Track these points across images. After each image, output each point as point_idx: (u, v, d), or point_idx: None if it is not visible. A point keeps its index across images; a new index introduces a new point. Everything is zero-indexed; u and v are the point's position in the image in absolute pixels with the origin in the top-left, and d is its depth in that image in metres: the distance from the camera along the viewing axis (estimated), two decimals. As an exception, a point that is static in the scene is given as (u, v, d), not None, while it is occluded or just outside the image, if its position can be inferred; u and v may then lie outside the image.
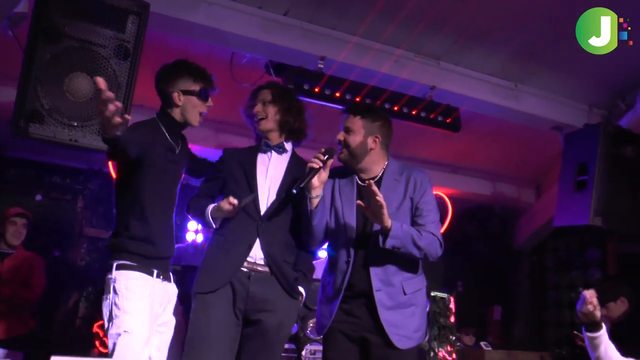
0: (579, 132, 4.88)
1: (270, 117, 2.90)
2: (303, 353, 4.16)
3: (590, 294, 3.02)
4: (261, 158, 2.91)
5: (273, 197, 2.81)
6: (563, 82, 4.96)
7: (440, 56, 4.54)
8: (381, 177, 2.84)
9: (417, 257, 2.69)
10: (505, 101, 4.89)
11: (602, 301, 4.30)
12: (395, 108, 4.49)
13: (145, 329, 2.46)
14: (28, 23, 3.03)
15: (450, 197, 6.84)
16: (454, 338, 4.70)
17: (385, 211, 2.55)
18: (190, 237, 5.95)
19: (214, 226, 2.78)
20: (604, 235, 6.42)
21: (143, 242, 2.55)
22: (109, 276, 2.50)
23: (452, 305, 4.86)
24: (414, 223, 2.76)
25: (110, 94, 2.11)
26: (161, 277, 2.61)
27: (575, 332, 3.14)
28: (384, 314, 2.64)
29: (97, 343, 5.17)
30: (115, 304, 2.44)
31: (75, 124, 2.80)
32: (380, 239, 2.60)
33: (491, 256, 7.43)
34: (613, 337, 4.27)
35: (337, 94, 4.30)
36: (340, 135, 2.85)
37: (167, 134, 2.72)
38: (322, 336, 2.83)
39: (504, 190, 7.04)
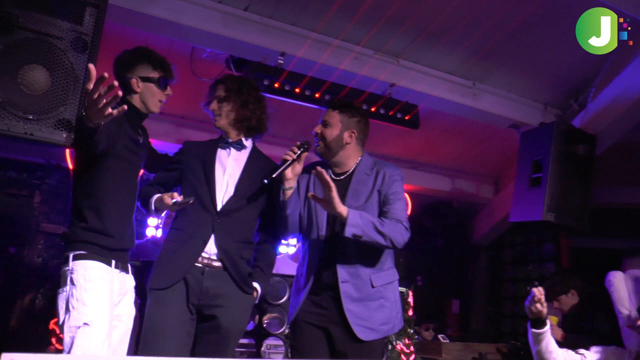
0: (534, 131, 4.97)
1: (224, 115, 2.90)
2: (262, 348, 4.16)
3: (539, 292, 3.12)
4: (220, 153, 2.92)
5: (231, 192, 2.81)
6: (519, 81, 5.06)
7: (400, 54, 4.58)
8: (353, 171, 2.90)
9: (383, 245, 2.70)
10: (463, 99, 4.94)
11: (554, 294, 4.46)
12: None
13: (106, 321, 2.39)
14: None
15: (410, 193, 6.83)
16: (412, 331, 4.77)
17: (336, 198, 2.58)
18: (150, 232, 5.88)
19: (152, 215, 2.77)
20: (557, 231, 6.63)
21: (101, 234, 2.49)
22: (66, 268, 2.42)
23: (410, 299, 4.94)
24: (381, 213, 2.80)
25: (116, 82, 2.10)
26: (119, 268, 2.57)
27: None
28: (348, 305, 2.69)
29: (53, 340, 5.07)
30: (73, 296, 2.36)
31: (31, 117, 2.72)
32: (344, 229, 2.63)
33: (450, 251, 7.57)
34: (564, 327, 4.43)
35: (297, 90, 4.33)
36: (318, 128, 2.91)
37: (129, 125, 2.69)
38: (288, 326, 2.86)
39: (462, 186, 7.11)
